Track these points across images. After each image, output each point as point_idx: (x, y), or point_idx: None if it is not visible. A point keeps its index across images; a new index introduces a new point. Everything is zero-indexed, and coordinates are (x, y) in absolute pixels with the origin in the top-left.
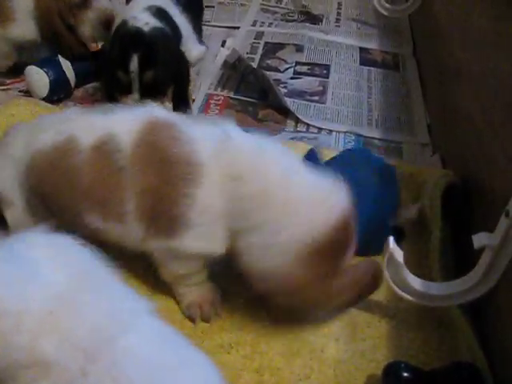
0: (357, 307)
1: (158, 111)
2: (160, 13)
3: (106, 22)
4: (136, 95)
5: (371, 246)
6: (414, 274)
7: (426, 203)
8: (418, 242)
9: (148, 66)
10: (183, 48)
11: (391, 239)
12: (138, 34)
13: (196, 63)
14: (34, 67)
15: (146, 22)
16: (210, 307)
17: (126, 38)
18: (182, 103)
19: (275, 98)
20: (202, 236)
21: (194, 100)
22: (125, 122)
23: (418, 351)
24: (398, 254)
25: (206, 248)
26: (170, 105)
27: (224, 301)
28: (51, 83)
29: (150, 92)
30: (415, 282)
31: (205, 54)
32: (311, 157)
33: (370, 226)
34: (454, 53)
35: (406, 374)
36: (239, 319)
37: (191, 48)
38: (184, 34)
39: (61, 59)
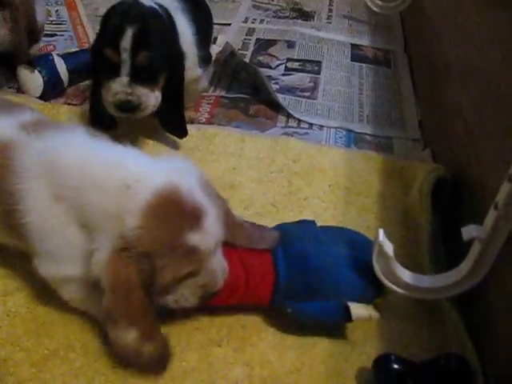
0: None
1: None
2: (162, 10)
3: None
4: (125, 79)
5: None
6: (403, 266)
7: (416, 197)
8: (408, 236)
9: (143, 45)
10: None
11: (381, 231)
12: (135, 7)
13: (189, 88)
14: (27, 67)
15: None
16: None
17: (120, 9)
18: (174, 100)
19: (267, 93)
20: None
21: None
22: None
23: (408, 343)
24: (388, 246)
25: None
26: (159, 94)
27: None
28: (45, 84)
29: (141, 77)
30: (405, 275)
31: (200, 80)
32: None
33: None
34: (444, 49)
35: (395, 366)
36: (231, 313)
37: (189, 67)
38: (183, 48)
39: (55, 57)
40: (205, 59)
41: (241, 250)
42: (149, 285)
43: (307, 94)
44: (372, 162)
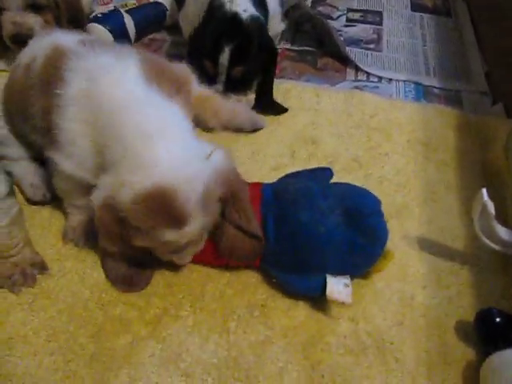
0: (438, 255)
1: (64, 38)
2: None
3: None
4: (220, 87)
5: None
6: None
7: (500, 153)
8: (496, 195)
9: (239, 62)
10: (269, 27)
11: (484, 191)
12: (234, 22)
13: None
14: (97, 25)
15: (244, 8)
16: (83, 234)
17: (220, 25)
18: (264, 94)
19: (333, 46)
20: (72, 160)
21: None
22: (43, 47)
23: (499, 297)
24: (490, 205)
25: (75, 171)
26: (252, 96)
27: None
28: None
29: (235, 85)
30: (502, 232)
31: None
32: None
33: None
34: None
35: (498, 320)
36: None
37: (274, 26)
38: (271, 12)
39: (124, 14)
40: (285, 13)
41: None
42: (126, 237)
43: (372, 46)
44: (446, 116)
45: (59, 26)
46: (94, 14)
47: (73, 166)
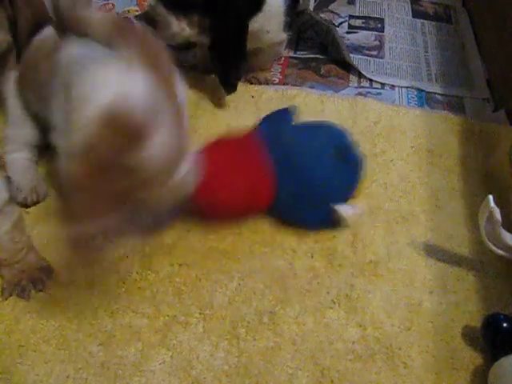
0: (444, 261)
1: None
2: None
3: None
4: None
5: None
6: None
7: (504, 159)
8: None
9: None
10: (263, 27)
11: (491, 198)
12: None
13: (270, 50)
14: None
15: None
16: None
17: None
18: (221, 49)
19: (336, 52)
20: None
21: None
22: None
23: (506, 303)
24: (497, 212)
25: None
26: (186, 28)
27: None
28: None
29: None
30: (509, 238)
31: (283, 44)
32: (283, 115)
33: (311, 200)
34: None
35: (505, 325)
36: (338, 277)
37: (273, 30)
38: (269, 8)
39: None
40: (289, 24)
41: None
42: None
43: (374, 52)
44: (449, 123)
45: (15, 27)
46: None
47: None
